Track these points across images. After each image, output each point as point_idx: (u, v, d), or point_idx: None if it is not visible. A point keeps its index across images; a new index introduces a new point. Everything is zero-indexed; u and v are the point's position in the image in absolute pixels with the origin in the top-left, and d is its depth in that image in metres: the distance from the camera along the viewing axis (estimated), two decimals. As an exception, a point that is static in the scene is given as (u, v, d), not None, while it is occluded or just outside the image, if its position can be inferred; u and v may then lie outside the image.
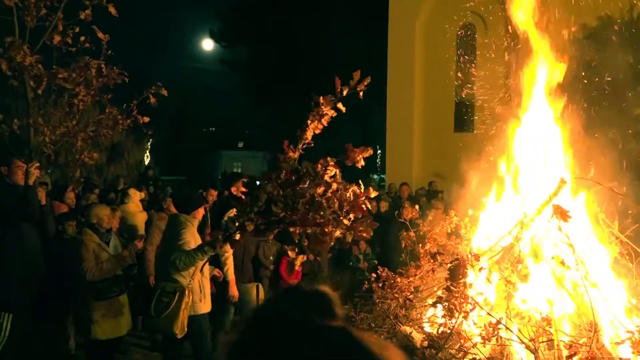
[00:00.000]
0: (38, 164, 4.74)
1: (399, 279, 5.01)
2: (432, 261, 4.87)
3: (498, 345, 3.86)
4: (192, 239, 4.52)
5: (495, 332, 3.82)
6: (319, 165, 3.84)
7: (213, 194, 8.07)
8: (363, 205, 3.84)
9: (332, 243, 4.07)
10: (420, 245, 5.15)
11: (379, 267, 5.20)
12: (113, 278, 5.12)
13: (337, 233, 3.85)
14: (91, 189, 8.52)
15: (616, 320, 3.85)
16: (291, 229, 3.97)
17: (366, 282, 5.23)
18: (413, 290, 4.87)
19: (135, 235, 5.87)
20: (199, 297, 4.58)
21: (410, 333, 4.16)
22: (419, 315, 4.64)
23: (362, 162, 3.98)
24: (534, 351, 3.74)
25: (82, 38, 5.91)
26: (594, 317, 3.76)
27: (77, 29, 5.80)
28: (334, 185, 3.86)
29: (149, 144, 18.96)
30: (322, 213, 3.74)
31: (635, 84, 10.70)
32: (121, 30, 6.59)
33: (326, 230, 3.81)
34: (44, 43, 5.63)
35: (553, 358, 3.68)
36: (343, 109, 4.00)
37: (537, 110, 4.82)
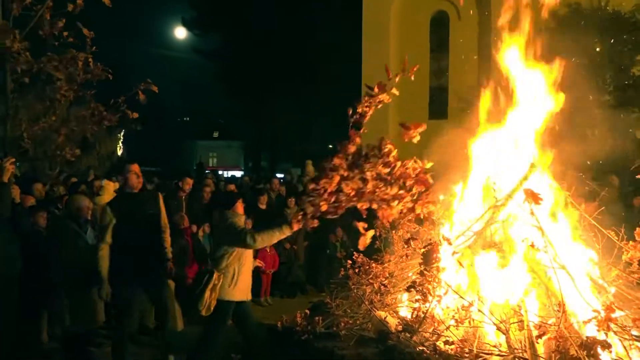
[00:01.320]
0: (13, 160, 4.57)
1: (374, 265, 5.07)
2: (405, 247, 4.93)
3: (470, 328, 3.95)
4: (243, 225, 4.81)
5: (468, 315, 3.91)
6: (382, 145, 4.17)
7: (189, 183, 8.01)
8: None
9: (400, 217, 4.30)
10: (394, 231, 5.21)
11: (354, 253, 5.25)
12: (89, 270, 5.06)
13: (401, 207, 4.10)
14: (68, 181, 8.35)
15: (583, 300, 3.96)
16: (359, 205, 4.17)
17: (342, 269, 5.28)
18: (387, 275, 4.93)
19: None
20: (228, 283, 4.66)
21: (385, 318, 4.22)
22: (393, 300, 4.70)
23: (418, 137, 4.27)
24: (505, 332, 3.83)
25: (65, 33, 5.81)
26: (562, 297, 3.87)
27: (64, 21, 5.69)
28: (398, 163, 4.16)
29: (121, 134, 18.58)
30: (389, 189, 4.02)
31: (603, 71, 10.96)
32: (90, 18, 6.42)
33: (392, 205, 4.07)
34: (29, 32, 5.49)
35: (523, 338, 3.78)
36: (397, 92, 4.28)
37: (508, 98, 4.89)
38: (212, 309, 4.59)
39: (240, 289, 4.80)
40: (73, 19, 5.88)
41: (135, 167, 4.87)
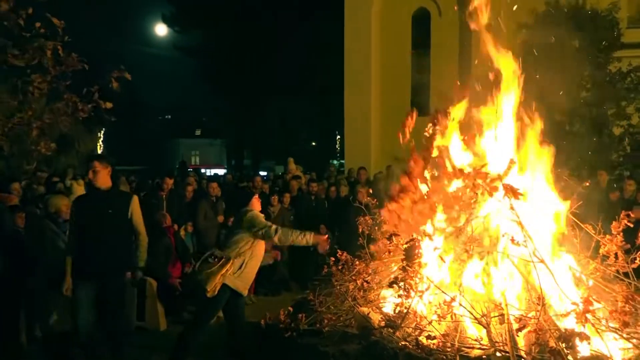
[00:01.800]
0: None
1: (357, 262, 5.08)
2: (388, 243, 4.96)
3: (452, 322, 3.99)
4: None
5: (450, 310, 3.95)
6: None
7: (168, 183, 7.95)
8: None
9: None
10: (377, 228, 5.23)
11: (337, 250, 5.26)
12: None
13: None
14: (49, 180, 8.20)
15: (562, 294, 4.03)
16: None
17: (325, 266, 5.28)
18: (370, 272, 4.95)
19: None
20: (233, 271, 4.74)
21: (368, 314, 4.23)
22: (376, 297, 4.72)
23: None
24: (486, 326, 3.88)
25: (38, 24, 5.55)
26: (541, 291, 3.93)
27: (30, 11, 5.44)
28: None
29: (101, 132, 18.32)
30: None
31: (582, 68, 11.13)
32: (69, 14, 6.26)
33: None
34: None
35: (504, 332, 3.83)
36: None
37: (488, 95, 4.94)
38: (216, 292, 4.67)
39: (243, 281, 4.84)
40: (44, 11, 5.63)
41: (97, 164, 4.70)
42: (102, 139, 21.74)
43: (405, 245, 4.31)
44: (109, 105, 5.98)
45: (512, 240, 4.03)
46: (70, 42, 5.87)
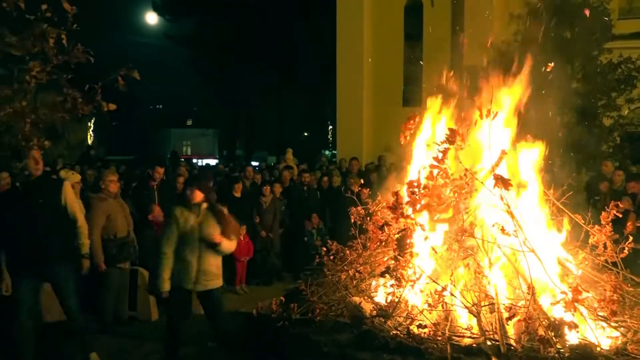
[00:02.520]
0: None
1: (348, 252, 5.10)
2: (380, 233, 4.97)
3: (443, 311, 4.02)
4: None
5: (441, 299, 3.98)
6: None
7: (160, 172, 7.89)
8: None
9: None
10: (369, 218, 5.24)
11: (329, 240, 5.27)
12: None
13: None
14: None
15: (552, 283, 4.07)
16: None
17: (317, 256, 5.30)
18: (362, 262, 4.97)
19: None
20: None
21: (360, 303, 4.26)
22: (368, 286, 4.74)
23: None
24: (477, 315, 3.92)
25: (44, 6, 5.08)
26: (531, 280, 3.97)
27: None
28: None
29: (91, 122, 18.16)
30: None
31: (574, 59, 11.17)
32: (56, 3, 5.97)
33: None
34: None
35: (494, 320, 3.87)
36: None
37: (478, 85, 4.94)
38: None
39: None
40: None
41: (36, 153, 4.57)
42: (92, 128, 21.52)
43: (397, 235, 4.32)
44: (112, 107, 5.52)
45: (503, 230, 4.06)
46: (77, 31, 5.33)
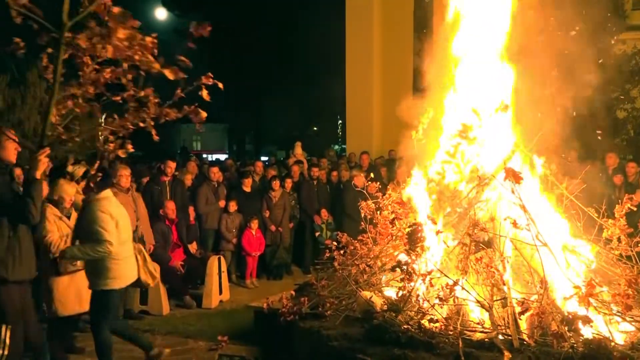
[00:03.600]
0: (49, 152, 3.73)
1: (358, 246, 5.07)
2: (391, 227, 4.94)
3: (455, 306, 3.99)
4: None
5: (452, 293, 3.94)
6: None
7: (171, 166, 7.90)
8: None
9: None
10: (379, 212, 5.22)
11: (338, 233, 5.25)
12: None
13: None
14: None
15: (565, 277, 4.02)
16: None
17: (327, 250, 5.28)
18: (373, 256, 4.95)
19: None
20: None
21: (371, 298, 4.23)
22: (379, 281, 4.72)
23: None
24: (489, 309, 3.88)
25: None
26: (544, 274, 3.92)
27: None
28: None
29: (102, 118, 18.20)
30: None
31: (587, 50, 10.99)
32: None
33: None
34: None
35: (507, 315, 3.83)
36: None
37: (488, 73, 4.87)
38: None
39: (93, 275, 4.59)
40: None
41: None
42: (103, 124, 21.55)
43: (408, 229, 4.29)
44: (203, 116, 4.29)
45: (515, 224, 4.01)
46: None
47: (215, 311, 6.90)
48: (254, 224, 8.23)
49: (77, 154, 12.73)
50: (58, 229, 4.95)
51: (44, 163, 3.65)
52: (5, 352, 3.68)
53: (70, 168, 6.05)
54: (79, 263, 4.88)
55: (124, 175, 6.31)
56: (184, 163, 9.99)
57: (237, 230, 8.35)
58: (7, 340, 3.67)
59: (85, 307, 4.98)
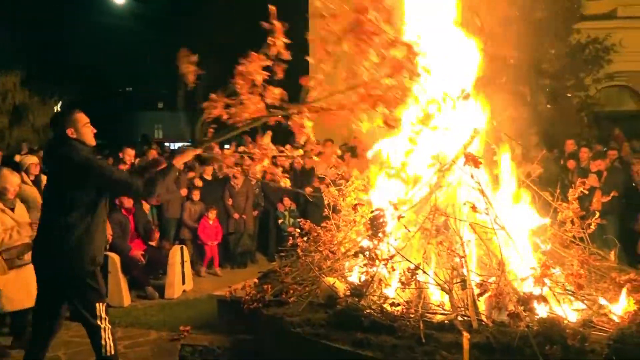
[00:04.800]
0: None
1: (322, 232, 5.08)
2: (353, 213, 4.97)
3: (416, 289, 4.05)
4: None
5: (414, 277, 4.00)
6: None
7: (130, 154, 7.71)
8: None
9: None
10: (342, 198, 5.23)
11: (301, 220, 5.24)
12: (22, 246, 4.81)
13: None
14: None
15: (521, 259, 4.14)
16: None
17: (291, 237, 5.27)
18: (336, 242, 4.96)
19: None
20: None
21: (334, 283, 4.25)
22: (342, 266, 4.74)
23: None
24: (449, 292, 3.96)
25: None
26: (501, 257, 4.02)
27: None
28: None
29: (57, 105, 17.56)
30: None
31: (544, 40, 11.29)
32: None
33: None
34: None
35: (466, 297, 3.92)
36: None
37: (449, 60, 4.92)
38: None
39: None
40: None
41: None
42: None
43: (370, 215, 4.31)
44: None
45: (474, 208, 4.09)
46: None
47: (178, 301, 6.82)
48: (212, 214, 8.13)
49: (31, 143, 12.27)
50: (1, 223, 4.76)
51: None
52: None
53: (17, 157, 5.83)
54: (25, 257, 4.72)
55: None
56: (145, 151, 9.77)
57: (198, 219, 8.24)
58: None
59: (34, 301, 4.84)
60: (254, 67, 4.12)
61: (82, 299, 3.57)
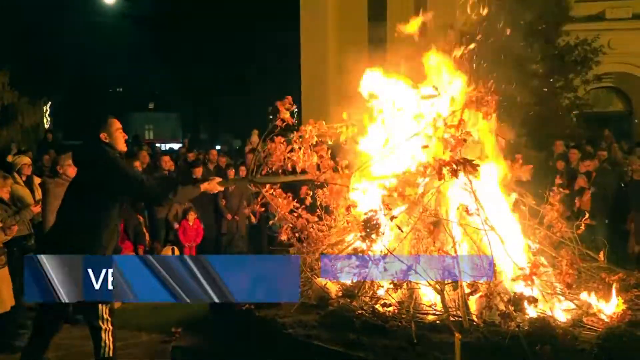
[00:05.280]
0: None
1: (314, 233, 5.09)
2: (346, 214, 4.98)
3: (408, 290, 4.07)
4: None
5: (406, 278, 4.02)
6: None
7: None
8: None
9: None
10: (334, 199, 5.24)
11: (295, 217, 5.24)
12: None
13: None
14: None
15: (511, 259, 4.17)
16: None
17: (281, 238, 5.26)
18: (328, 243, 4.97)
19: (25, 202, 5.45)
20: None
21: (326, 284, 4.26)
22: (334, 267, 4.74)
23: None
24: (440, 292, 3.98)
25: None
26: (492, 258, 4.04)
27: None
28: None
29: (47, 106, 17.40)
30: None
31: (532, 41, 11.38)
32: None
33: None
34: None
35: (457, 297, 3.95)
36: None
37: (437, 63, 4.94)
38: None
39: None
40: None
41: None
42: (48, 112, 20.52)
43: (363, 216, 4.32)
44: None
45: (467, 211, 4.11)
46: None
47: (170, 303, 6.76)
48: (191, 215, 8.09)
49: (20, 143, 12.17)
50: None
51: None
52: None
53: (10, 158, 5.81)
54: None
55: (70, 164, 6.07)
56: (136, 152, 9.73)
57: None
58: None
59: (7, 306, 4.82)
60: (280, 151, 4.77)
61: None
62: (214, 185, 4.27)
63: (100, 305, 3.59)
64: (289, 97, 4.94)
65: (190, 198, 4.34)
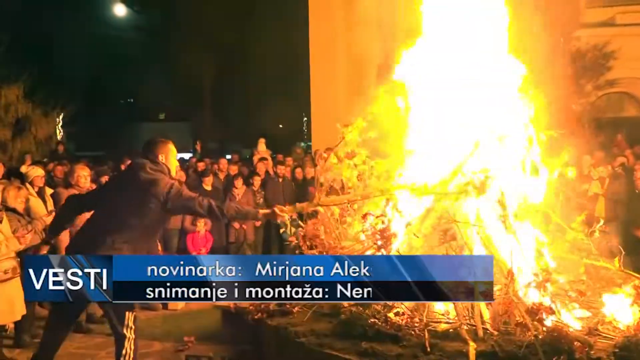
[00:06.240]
0: None
1: (325, 241, 5.08)
2: (363, 221, 4.95)
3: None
4: None
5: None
6: None
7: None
8: None
9: None
10: (350, 206, 5.23)
11: (301, 224, 5.25)
12: (5, 260, 4.79)
13: None
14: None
15: (527, 266, 4.12)
16: None
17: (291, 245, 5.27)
18: (340, 250, 4.95)
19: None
20: None
21: (338, 292, 4.23)
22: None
23: None
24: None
25: None
26: (511, 266, 3.98)
27: None
28: None
29: (59, 117, 17.59)
30: None
31: (542, 48, 11.31)
32: None
33: None
34: None
35: (470, 305, 3.91)
36: None
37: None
38: None
39: None
40: None
41: None
42: (60, 124, 20.73)
43: (379, 226, 4.29)
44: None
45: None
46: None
47: (182, 312, 6.79)
48: (199, 223, 8.08)
49: (34, 155, 12.30)
50: None
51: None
52: None
53: (23, 169, 5.87)
54: (10, 272, 4.72)
55: (82, 175, 6.14)
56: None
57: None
58: None
59: (17, 316, 4.85)
60: None
61: (115, 305, 3.59)
62: (280, 214, 4.03)
63: (127, 313, 3.62)
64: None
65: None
